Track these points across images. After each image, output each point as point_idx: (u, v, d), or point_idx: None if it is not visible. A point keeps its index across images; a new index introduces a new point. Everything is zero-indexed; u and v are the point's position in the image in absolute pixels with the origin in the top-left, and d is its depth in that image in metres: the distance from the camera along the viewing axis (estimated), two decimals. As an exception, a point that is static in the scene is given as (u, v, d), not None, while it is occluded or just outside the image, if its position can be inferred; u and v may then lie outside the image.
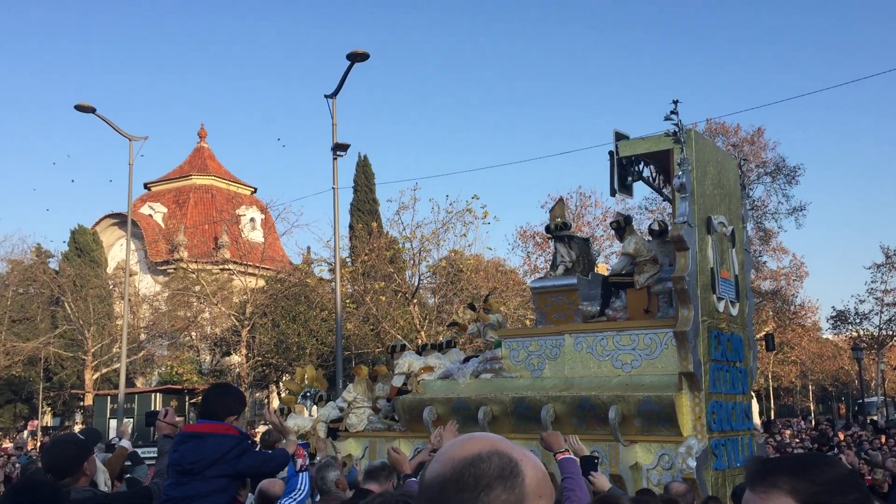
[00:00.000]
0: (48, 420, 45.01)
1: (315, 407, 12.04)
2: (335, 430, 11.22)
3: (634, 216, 41.39)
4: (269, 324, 37.61)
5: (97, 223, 50.87)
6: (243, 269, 41.04)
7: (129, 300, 36.30)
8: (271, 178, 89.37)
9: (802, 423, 38.19)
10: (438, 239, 34.39)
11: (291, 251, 43.69)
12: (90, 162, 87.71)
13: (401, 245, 33.55)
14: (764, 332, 34.89)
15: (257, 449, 5.82)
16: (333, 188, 22.70)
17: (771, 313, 39.61)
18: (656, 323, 8.95)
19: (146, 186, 57.38)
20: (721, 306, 8.85)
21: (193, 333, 40.49)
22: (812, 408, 58.21)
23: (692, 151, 8.52)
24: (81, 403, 41.33)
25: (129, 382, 39.48)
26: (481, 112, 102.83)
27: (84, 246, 44.43)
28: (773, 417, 40.70)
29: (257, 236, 48.03)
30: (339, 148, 22.57)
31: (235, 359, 39.40)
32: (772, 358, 42.81)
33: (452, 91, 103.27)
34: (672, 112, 8.45)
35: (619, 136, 17.46)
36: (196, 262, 43.95)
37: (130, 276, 37.84)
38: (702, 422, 8.31)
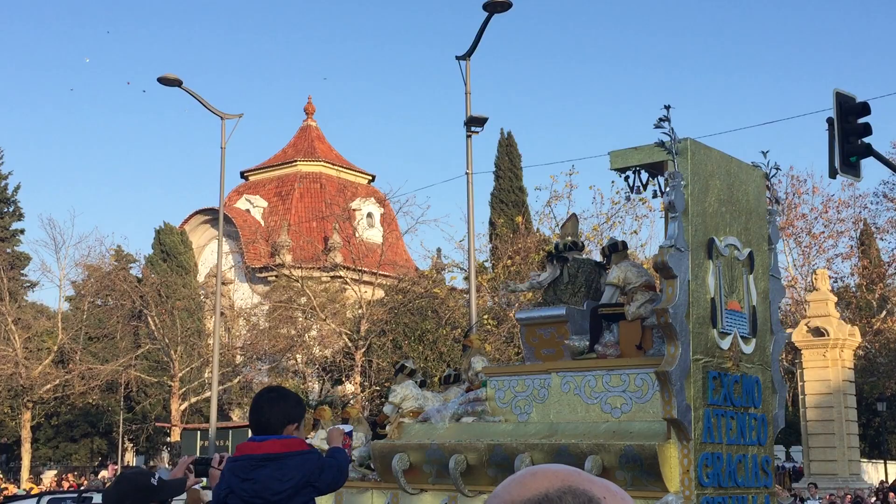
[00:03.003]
0: (130, 458, 47.59)
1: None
2: None
3: (871, 203, 39.46)
4: (388, 345, 38.28)
5: (186, 221, 53.44)
6: (358, 277, 42.00)
7: (223, 314, 37.88)
8: (392, 163, 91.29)
9: None
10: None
11: (416, 254, 44.47)
12: (176, 146, 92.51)
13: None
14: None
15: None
16: (467, 173, 22.82)
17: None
18: (648, 361, 9.59)
19: (243, 175, 59.75)
20: (725, 343, 9.40)
21: (298, 356, 41.77)
22: None
23: (687, 163, 9.24)
24: (168, 439, 43.43)
25: (223, 414, 41.21)
26: (653, 76, 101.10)
27: (171, 248, 46.74)
28: None
29: (375, 235, 49.03)
30: (475, 122, 22.76)
31: (348, 388, 40.33)
32: None
33: (616, 51, 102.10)
34: (662, 119, 9.16)
35: (843, 99, 16.55)
36: (301, 267, 45.34)
37: (224, 284, 39.48)
38: (690, 476, 8.89)
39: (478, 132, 23.19)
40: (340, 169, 58.42)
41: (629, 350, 10.23)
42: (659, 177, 10.00)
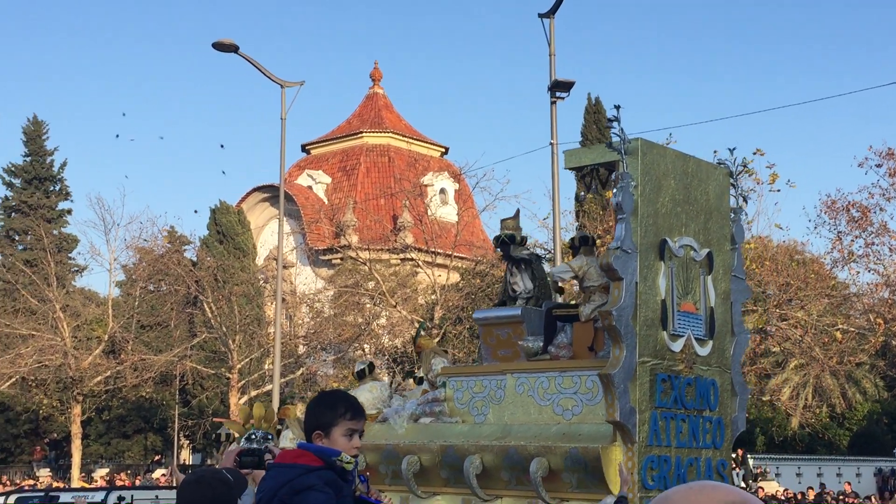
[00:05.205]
0: (186, 456, 48.52)
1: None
2: None
3: None
4: (465, 334, 38.38)
5: (243, 199, 54.17)
6: (431, 259, 42.10)
7: (284, 300, 38.34)
8: (467, 134, 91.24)
9: None
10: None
11: (495, 233, 44.25)
12: (233, 118, 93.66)
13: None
14: None
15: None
16: (551, 144, 22.74)
17: None
18: (598, 363, 10.23)
19: (304, 149, 60.29)
20: (677, 345, 10.16)
21: (366, 346, 42.07)
22: None
23: (638, 164, 9.89)
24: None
25: (285, 409, 41.70)
26: (762, 29, 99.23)
27: (227, 229, 47.39)
28: None
29: (449, 213, 49.10)
30: (560, 87, 22.62)
31: (421, 381, 40.53)
32: None
33: (719, 2, 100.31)
34: (611, 119, 9.88)
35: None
36: (369, 249, 45.64)
37: (285, 268, 39.86)
38: (634, 478, 9.66)
39: (563, 98, 23.03)
40: (410, 140, 58.57)
41: (581, 351, 10.99)
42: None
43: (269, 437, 13.39)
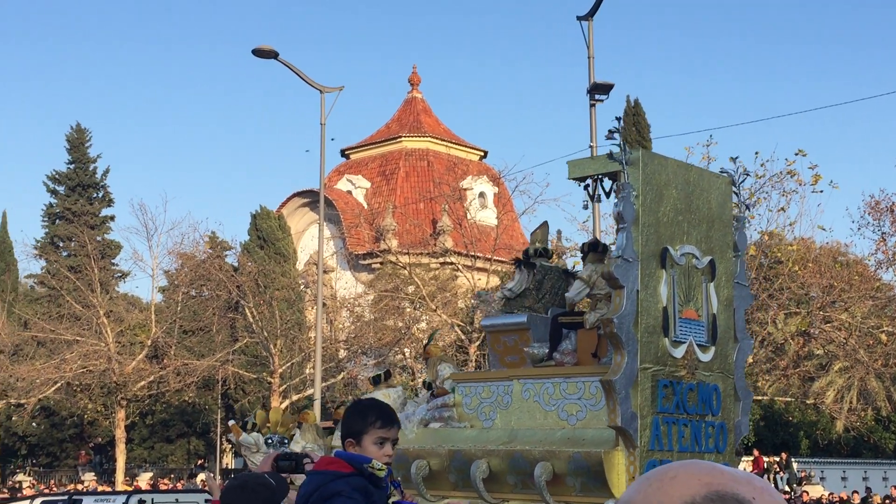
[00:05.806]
0: (229, 461, 48.83)
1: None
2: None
3: None
4: (505, 337, 38.26)
5: (283, 204, 54.45)
6: (470, 263, 42.08)
7: (324, 305, 38.50)
8: (506, 137, 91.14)
9: None
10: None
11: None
12: (273, 124, 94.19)
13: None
14: None
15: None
16: (591, 147, 22.77)
17: None
18: (602, 369, 10.35)
19: (343, 154, 60.49)
20: (679, 351, 10.28)
21: (407, 350, 42.07)
22: None
23: (639, 174, 10.04)
24: (268, 440, 44.27)
25: (327, 413, 41.82)
26: (804, 30, 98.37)
27: (268, 234, 47.58)
28: None
29: (488, 217, 49.09)
30: (599, 90, 22.70)
31: (462, 385, 40.48)
32: None
33: (760, 3, 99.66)
34: (612, 131, 10.12)
35: None
36: (409, 253, 45.72)
37: (325, 272, 40.00)
38: None
39: (602, 100, 23.06)
40: (449, 144, 58.63)
41: (585, 358, 11.15)
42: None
43: (286, 441, 13.69)
